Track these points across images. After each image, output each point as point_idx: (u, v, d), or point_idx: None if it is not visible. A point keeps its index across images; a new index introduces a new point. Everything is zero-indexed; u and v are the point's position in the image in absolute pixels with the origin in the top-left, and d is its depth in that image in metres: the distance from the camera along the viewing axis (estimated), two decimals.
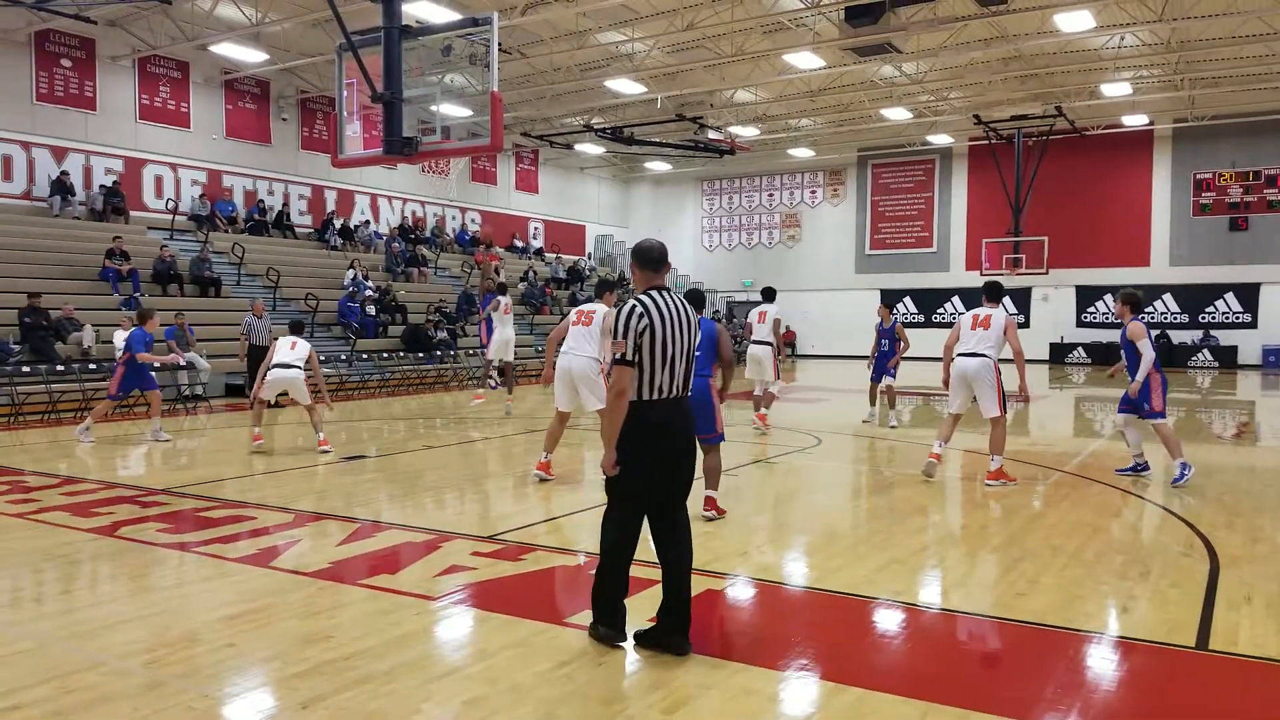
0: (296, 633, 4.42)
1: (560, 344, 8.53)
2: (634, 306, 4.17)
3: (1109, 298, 29.35)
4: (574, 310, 8.83)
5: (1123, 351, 9.08)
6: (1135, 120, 27.19)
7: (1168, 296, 28.58)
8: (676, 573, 4.25)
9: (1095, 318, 29.68)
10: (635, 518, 4.26)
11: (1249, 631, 4.53)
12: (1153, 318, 28.72)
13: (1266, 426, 14.53)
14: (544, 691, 3.75)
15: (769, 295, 12.11)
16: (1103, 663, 4.20)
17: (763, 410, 12.03)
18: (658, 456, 4.19)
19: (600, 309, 8.52)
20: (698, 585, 5.17)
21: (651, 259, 4.34)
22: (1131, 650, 4.34)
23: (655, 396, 4.19)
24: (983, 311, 8.75)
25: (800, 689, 3.86)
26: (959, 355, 8.74)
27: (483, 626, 4.50)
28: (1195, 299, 28.19)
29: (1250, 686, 3.98)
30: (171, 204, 21.51)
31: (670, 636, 4.18)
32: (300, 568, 5.53)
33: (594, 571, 4.33)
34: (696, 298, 7.11)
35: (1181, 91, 24.37)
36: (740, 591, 5.26)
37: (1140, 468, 8.97)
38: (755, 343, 11.79)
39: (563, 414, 8.59)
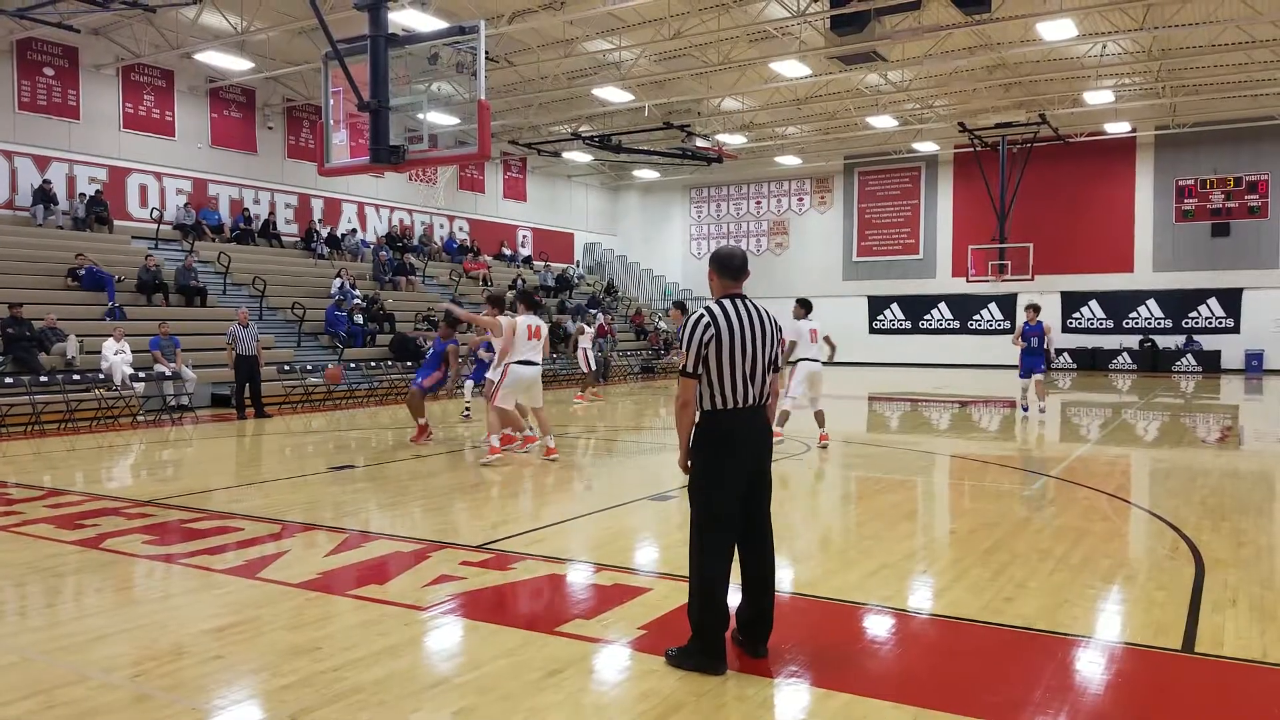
0: (284, 644, 4.40)
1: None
2: (700, 317, 4.09)
3: (1094, 303, 29.58)
4: (523, 323, 9.99)
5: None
6: (1118, 128, 27.44)
7: (1151, 302, 28.80)
8: (760, 588, 4.19)
9: (1081, 323, 29.88)
10: (724, 535, 4.12)
11: (1234, 634, 4.56)
12: (1136, 323, 28.98)
13: (1249, 430, 14.65)
14: (534, 700, 3.74)
15: (810, 307, 11.66)
16: (1090, 666, 4.22)
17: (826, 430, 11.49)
18: (735, 468, 4.09)
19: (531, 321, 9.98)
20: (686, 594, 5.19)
21: (731, 266, 4.24)
22: (1119, 653, 4.36)
23: (728, 406, 4.09)
24: None
25: (791, 695, 3.87)
26: None
27: (472, 636, 4.49)
28: (1178, 304, 28.42)
29: (1236, 688, 4.01)
30: (156, 213, 21.41)
31: (749, 646, 4.21)
32: (288, 579, 5.49)
33: (692, 600, 4.13)
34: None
35: (1163, 99, 24.63)
36: (730, 598, 5.24)
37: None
38: (810, 360, 11.24)
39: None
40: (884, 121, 26.79)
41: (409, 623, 4.72)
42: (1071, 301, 29.95)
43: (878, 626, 4.81)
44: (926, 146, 30.31)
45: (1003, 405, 18.73)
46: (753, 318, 4.15)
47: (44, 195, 19.26)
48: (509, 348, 9.85)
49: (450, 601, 5.07)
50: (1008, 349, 30.11)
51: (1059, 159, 28.89)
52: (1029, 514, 7.58)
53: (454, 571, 5.64)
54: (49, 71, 19.65)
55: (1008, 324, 30.65)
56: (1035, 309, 15.41)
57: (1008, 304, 30.67)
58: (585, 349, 19.26)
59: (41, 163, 19.59)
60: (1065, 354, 29.50)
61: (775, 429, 10.74)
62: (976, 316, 31.37)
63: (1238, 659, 4.24)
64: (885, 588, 5.42)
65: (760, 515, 4.24)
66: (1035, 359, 14.98)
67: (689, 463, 4.20)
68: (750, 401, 4.13)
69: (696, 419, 4.18)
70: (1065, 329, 29.94)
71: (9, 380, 14.25)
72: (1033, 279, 29.09)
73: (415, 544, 6.38)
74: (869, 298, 32.61)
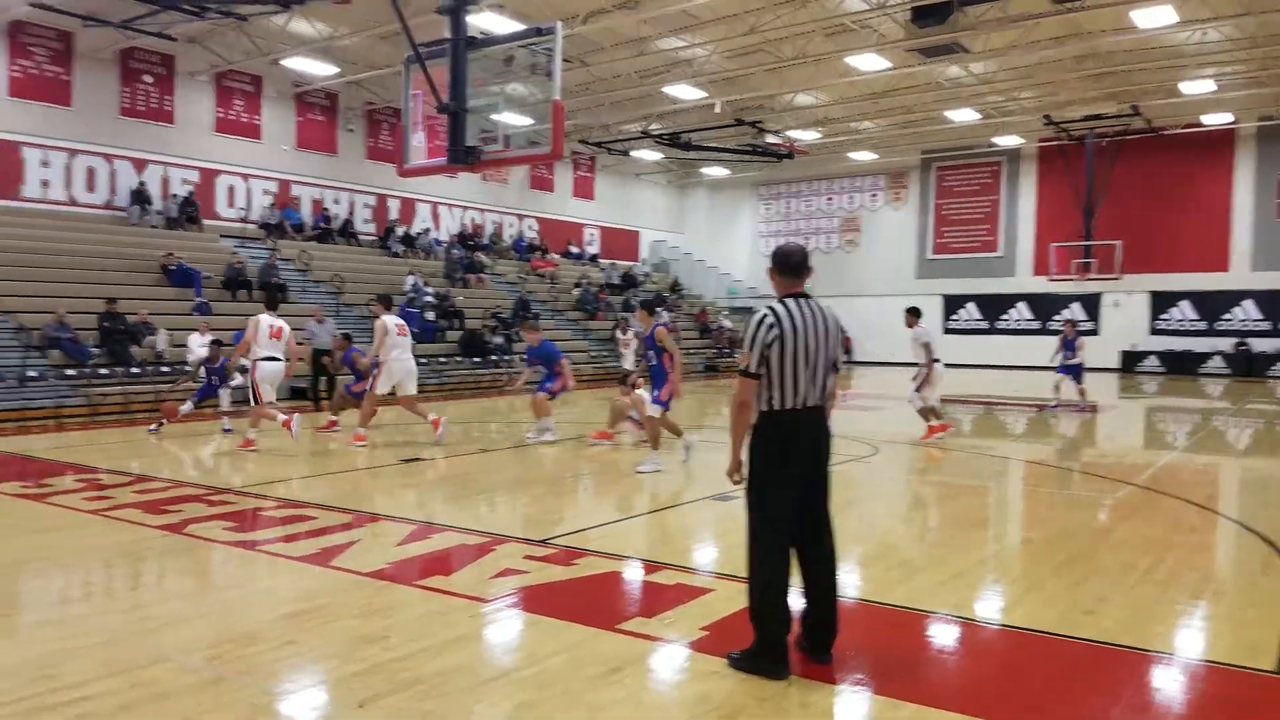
0: (354, 632, 4.49)
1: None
2: (764, 317, 4.01)
3: (1186, 304, 28.38)
4: (395, 322, 11.46)
5: None
6: (1217, 119, 26.18)
7: (1249, 303, 27.49)
8: (821, 592, 4.15)
9: (1170, 325, 28.66)
10: (783, 538, 4.07)
11: None
12: (1231, 325, 27.70)
13: None
14: (595, 696, 3.75)
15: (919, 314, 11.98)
16: (1174, 685, 4.05)
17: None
18: (794, 470, 4.05)
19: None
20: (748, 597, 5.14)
21: (791, 264, 4.15)
22: (1206, 673, 4.18)
23: (788, 407, 4.03)
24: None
25: (856, 704, 3.80)
26: None
27: (534, 630, 4.52)
28: (1278, 306, 27.07)
29: None
30: (242, 213, 22.17)
31: (813, 651, 4.16)
32: (358, 568, 5.62)
33: (753, 604, 4.09)
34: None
35: (1267, 88, 23.41)
36: (795, 603, 5.18)
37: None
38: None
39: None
40: (964, 115, 26.14)
41: (473, 615, 4.78)
42: (1161, 302, 28.77)
43: (948, 636, 4.69)
44: (1009, 140, 29.49)
45: (1084, 410, 18.12)
46: (816, 318, 4.08)
47: (140, 196, 20.13)
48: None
49: (513, 595, 5.12)
50: (1089, 350, 29.14)
51: (1151, 152, 27.78)
52: (1110, 524, 7.31)
53: (518, 565, 5.69)
54: (148, 79, 20.52)
55: (1092, 324, 29.63)
56: (1073, 324, 17.45)
57: (1092, 304, 29.66)
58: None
59: (139, 165, 20.47)
60: (1153, 357, 28.45)
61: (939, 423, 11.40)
62: (1058, 316, 30.40)
63: None
64: (956, 596, 5.27)
65: (819, 518, 4.18)
66: (1073, 369, 16.81)
67: (742, 465, 4.15)
68: (811, 402, 4.07)
69: (752, 421, 4.11)
70: (1154, 330, 28.82)
71: (104, 371, 14.91)
72: (1120, 278, 28.05)
73: (480, 537, 6.46)
74: (944, 296, 31.87)
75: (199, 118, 21.54)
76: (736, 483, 4.17)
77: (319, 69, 21.14)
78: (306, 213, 23.89)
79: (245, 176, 22.54)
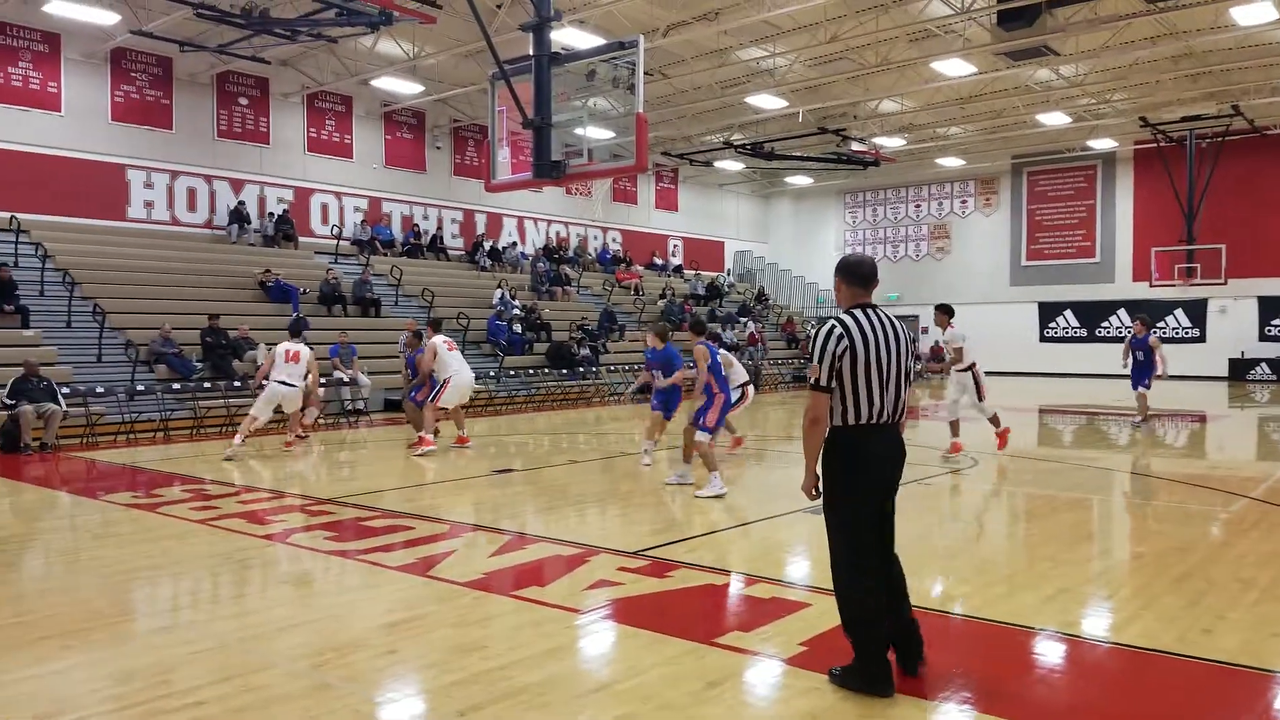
0: (453, 641, 4.56)
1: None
2: (832, 328, 3.92)
3: None
4: (443, 339, 12.28)
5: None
6: None
7: None
8: (897, 603, 4.05)
9: None
10: (869, 553, 3.95)
11: None
12: None
13: None
14: (695, 711, 3.72)
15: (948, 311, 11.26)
16: None
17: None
18: (870, 486, 3.95)
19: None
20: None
21: (860, 274, 4.06)
22: None
23: (862, 421, 3.91)
24: None
25: None
26: None
27: (631, 643, 4.51)
28: None
29: None
30: (336, 230, 22.87)
31: (903, 663, 4.05)
32: (455, 577, 5.70)
33: (845, 620, 4.01)
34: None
35: None
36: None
37: None
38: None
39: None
40: (1055, 119, 25.37)
41: (569, 626, 4.80)
42: (1270, 307, 27.36)
43: (1056, 654, 4.52)
44: (1103, 143, 28.50)
45: (1191, 420, 17.33)
46: (886, 328, 3.97)
47: (238, 215, 20.95)
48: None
49: (608, 607, 5.12)
50: (1195, 358, 27.93)
51: (1254, 153, 26.52)
52: (1227, 538, 6.96)
53: (611, 577, 5.70)
54: (243, 101, 21.38)
55: (1197, 331, 28.37)
56: (1143, 321, 15.52)
57: (1197, 310, 28.37)
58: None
59: (236, 185, 21.33)
60: (1263, 364, 27.07)
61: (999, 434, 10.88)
62: (1161, 323, 29.15)
63: None
64: (1065, 613, 5.08)
65: (888, 532, 4.07)
66: (1142, 372, 14.91)
67: (819, 483, 4.02)
68: (886, 418, 3.94)
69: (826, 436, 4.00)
70: (1263, 337, 27.43)
71: (207, 385, 15.52)
72: (1225, 283, 26.79)
73: (573, 548, 6.50)
74: (1039, 304, 30.91)
75: (292, 138, 22.33)
76: (814, 499, 4.06)
77: (406, 88, 21.71)
78: (397, 229, 24.53)
79: (338, 195, 23.27)
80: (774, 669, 4.21)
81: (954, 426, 11.13)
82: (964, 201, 33.16)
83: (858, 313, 3.98)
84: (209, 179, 20.88)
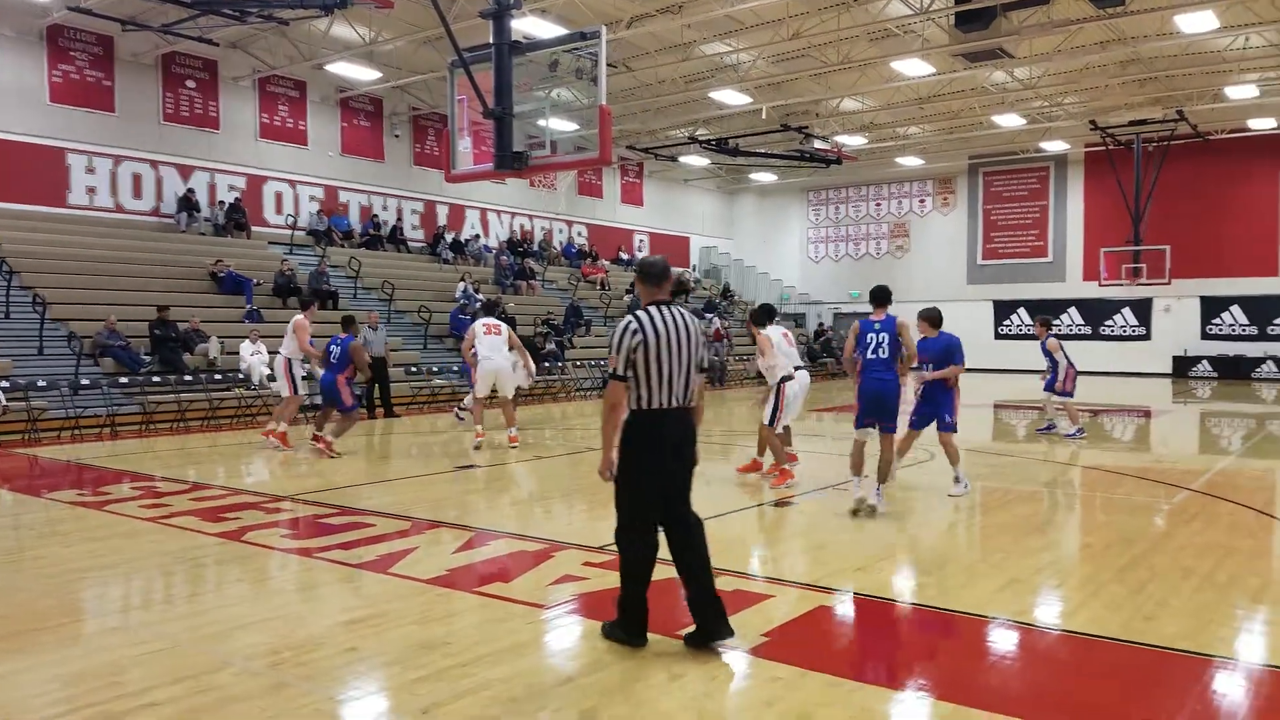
0: (415, 638, 4.53)
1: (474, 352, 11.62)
2: (628, 324, 4.36)
3: (1236, 309, 27.75)
4: (481, 324, 11.83)
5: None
6: (1262, 124, 25.69)
7: None
8: (694, 573, 4.40)
9: (1222, 330, 28.03)
10: (645, 530, 4.40)
11: None
12: None
13: None
14: (660, 704, 3.74)
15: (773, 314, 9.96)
16: (1238, 690, 4.00)
17: None
18: (659, 463, 4.37)
19: (503, 323, 12.07)
20: (814, 601, 5.11)
21: (652, 274, 4.52)
22: (1268, 678, 4.12)
23: (653, 407, 4.35)
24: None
25: (918, 709, 3.77)
26: None
27: (596, 637, 4.52)
28: None
29: None
30: (290, 219, 22.49)
31: (712, 628, 4.34)
32: (417, 574, 5.66)
33: (620, 581, 4.44)
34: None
35: None
36: (855, 608, 5.15)
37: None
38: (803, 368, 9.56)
39: (483, 400, 11.81)
40: (1010, 120, 25.82)
41: (533, 621, 4.80)
42: (1212, 307, 28.15)
43: (1009, 642, 4.64)
44: (1055, 145, 29.05)
45: (1137, 414, 17.76)
46: (678, 323, 4.40)
47: (187, 203, 20.44)
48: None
49: (573, 601, 5.13)
50: (1140, 356, 28.62)
51: (1198, 157, 27.23)
52: (1169, 529, 7.17)
53: (577, 572, 5.70)
54: (191, 84, 20.77)
55: (1143, 329, 29.08)
56: (1041, 322, 14.04)
57: (1143, 309, 29.09)
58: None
59: (185, 172, 20.77)
60: (1204, 362, 27.83)
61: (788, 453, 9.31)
62: (1109, 322, 29.85)
63: None
64: (1016, 602, 5.21)
65: (683, 506, 4.47)
66: (1052, 377, 13.27)
67: (614, 464, 4.43)
68: (675, 402, 4.38)
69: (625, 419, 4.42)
70: (1205, 335, 28.21)
71: (156, 379, 15.20)
72: (1169, 283, 27.51)
73: (538, 544, 6.48)
74: (994, 302, 31.44)
75: (243, 123, 21.79)
76: (607, 479, 4.44)
77: (363, 74, 21.35)
78: (355, 219, 24.18)
79: (292, 183, 22.84)
80: (737, 660, 4.25)
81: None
82: (922, 201, 33.60)
83: (652, 309, 4.42)
84: (155, 164, 20.28)
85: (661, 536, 4.46)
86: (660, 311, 4.41)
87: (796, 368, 8.96)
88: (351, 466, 10.35)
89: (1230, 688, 4.04)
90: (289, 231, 22.29)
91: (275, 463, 10.82)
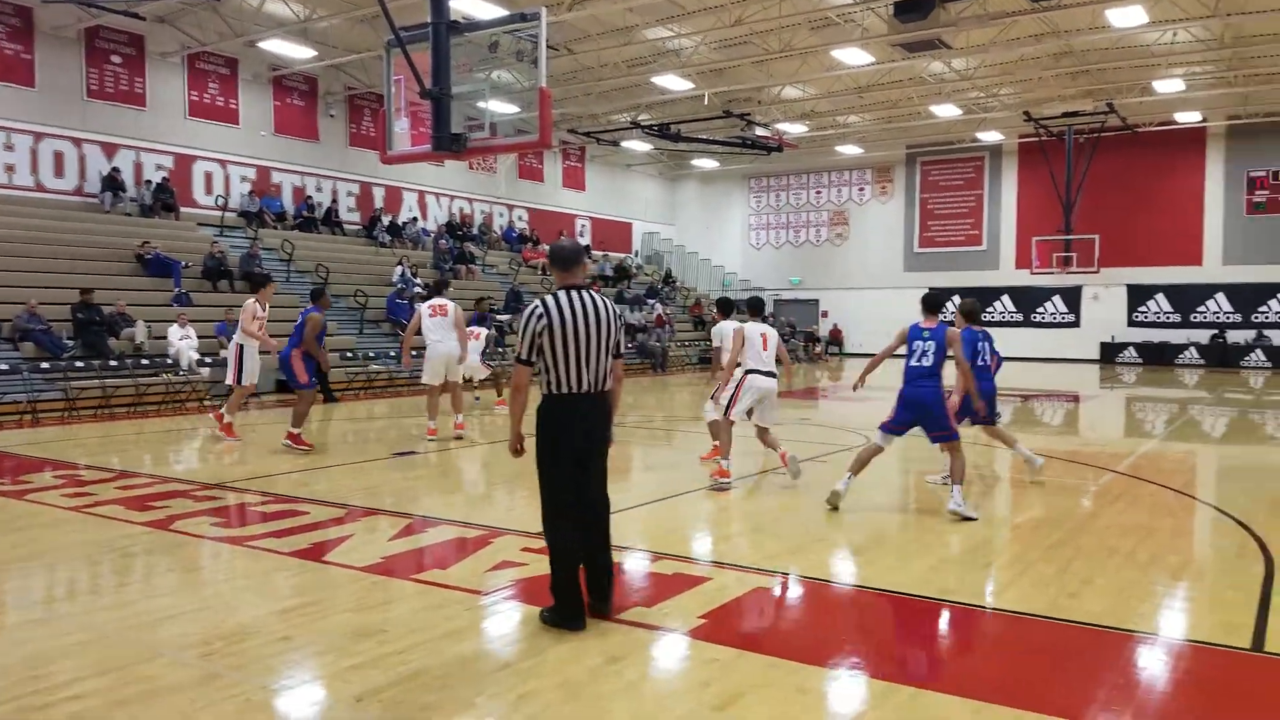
0: (350, 626, 4.46)
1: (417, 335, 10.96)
2: (534, 308, 4.39)
3: (1161, 296, 28.73)
4: (428, 305, 11.27)
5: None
6: (1188, 117, 26.56)
7: (1221, 296, 27.87)
8: (594, 552, 4.52)
9: (1147, 317, 29.03)
10: (568, 514, 4.46)
11: None
12: (1205, 317, 28.07)
13: None
14: (596, 687, 3.75)
15: (731, 309, 9.59)
16: (1157, 664, 4.16)
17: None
18: (569, 446, 4.42)
19: (450, 303, 11.27)
20: (749, 583, 5.17)
21: (561, 259, 4.56)
22: (1186, 652, 4.28)
23: (564, 391, 4.40)
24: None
25: (853, 687, 3.84)
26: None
27: (534, 622, 4.50)
28: (1249, 299, 27.45)
29: None
30: (221, 200, 21.88)
31: (595, 601, 4.50)
32: (353, 562, 5.58)
33: (550, 567, 4.50)
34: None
35: (1235, 88, 23.72)
36: (791, 590, 5.22)
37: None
38: (759, 372, 8.45)
39: (435, 387, 11.14)
40: (947, 110, 26.27)
41: (471, 607, 4.77)
42: (1138, 295, 29.12)
43: (939, 620, 4.75)
44: (990, 136, 29.66)
45: (1066, 400, 18.30)
46: (587, 307, 4.42)
47: (112, 182, 19.73)
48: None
49: (512, 587, 5.10)
50: (1070, 342, 29.51)
51: (1127, 149, 28.06)
52: (1094, 510, 7.41)
53: (515, 558, 5.67)
54: (116, 59, 20.00)
55: (1072, 317, 29.94)
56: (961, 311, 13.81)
57: (1072, 296, 29.94)
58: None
59: (109, 150, 20.03)
60: (1131, 348, 28.77)
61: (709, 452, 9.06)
62: (1040, 309, 30.67)
63: None
64: (947, 581, 5.33)
65: (591, 489, 4.55)
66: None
67: (524, 441, 4.54)
68: (585, 387, 4.42)
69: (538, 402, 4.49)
70: (1131, 322, 29.18)
71: (80, 364, 14.70)
72: (1098, 271, 28.36)
73: (477, 530, 6.44)
74: (930, 289, 31.97)
75: (171, 101, 21.06)
76: (517, 455, 4.56)
77: (297, 52, 20.82)
78: (288, 201, 23.61)
79: (223, 163, 22.19)
80: (674, 642, 4.28)
81: None
82: (861, 189, 34.06)
83: (561, 294, 4.44)
84: (78, 142, 19.51)
85: None
86: (570, 296, 4.42)
87: (753, 370, 8.29)
88: (285, 453, 10.14)
89: (1151, 662, 4.19)
90: (219, 213, 21.68)
91: (207, 450, 10.55)
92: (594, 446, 4.52)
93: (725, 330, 8.87)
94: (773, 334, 8.46)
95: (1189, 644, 4.37)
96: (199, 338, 16.16)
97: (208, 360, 15.86)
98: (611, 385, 4.57)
